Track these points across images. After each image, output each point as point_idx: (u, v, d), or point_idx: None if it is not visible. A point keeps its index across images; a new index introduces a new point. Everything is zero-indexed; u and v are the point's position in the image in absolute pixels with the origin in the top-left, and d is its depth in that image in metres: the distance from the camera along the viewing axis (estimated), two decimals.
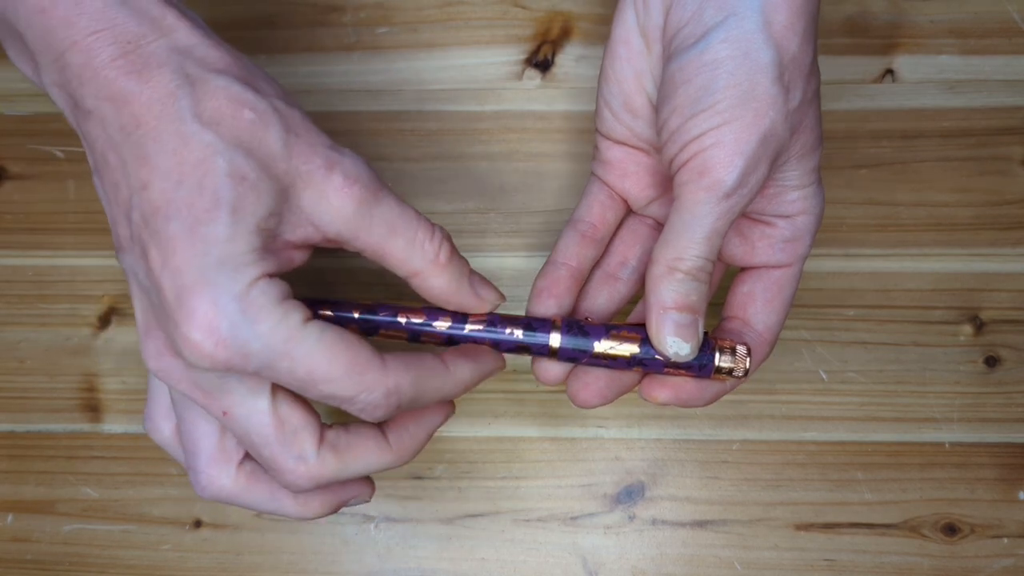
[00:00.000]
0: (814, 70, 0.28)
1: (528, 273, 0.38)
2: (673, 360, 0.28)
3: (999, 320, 0.37)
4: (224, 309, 0.23)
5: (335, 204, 0.25)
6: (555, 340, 0.29)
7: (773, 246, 0.30)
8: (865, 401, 0.37)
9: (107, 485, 0.38)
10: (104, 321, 0.39)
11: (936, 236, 0.38)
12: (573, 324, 0.29)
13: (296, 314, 0.24)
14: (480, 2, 0.39)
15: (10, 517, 0.38)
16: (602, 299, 0.32)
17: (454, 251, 0.27)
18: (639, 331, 0.29)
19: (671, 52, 0.27)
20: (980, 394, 0.37)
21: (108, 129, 0.24)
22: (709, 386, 0.30)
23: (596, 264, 0.32)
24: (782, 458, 0.37)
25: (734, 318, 0.31)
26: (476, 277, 0.28)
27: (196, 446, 0.28)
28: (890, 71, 0.39)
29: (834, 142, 0.38)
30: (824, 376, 0.37)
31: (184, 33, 0.25)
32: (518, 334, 0.29)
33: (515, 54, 0.39)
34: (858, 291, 0.38)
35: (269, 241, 0.24)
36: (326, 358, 0.24)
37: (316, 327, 0.24)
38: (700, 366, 0.29)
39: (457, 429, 0.38)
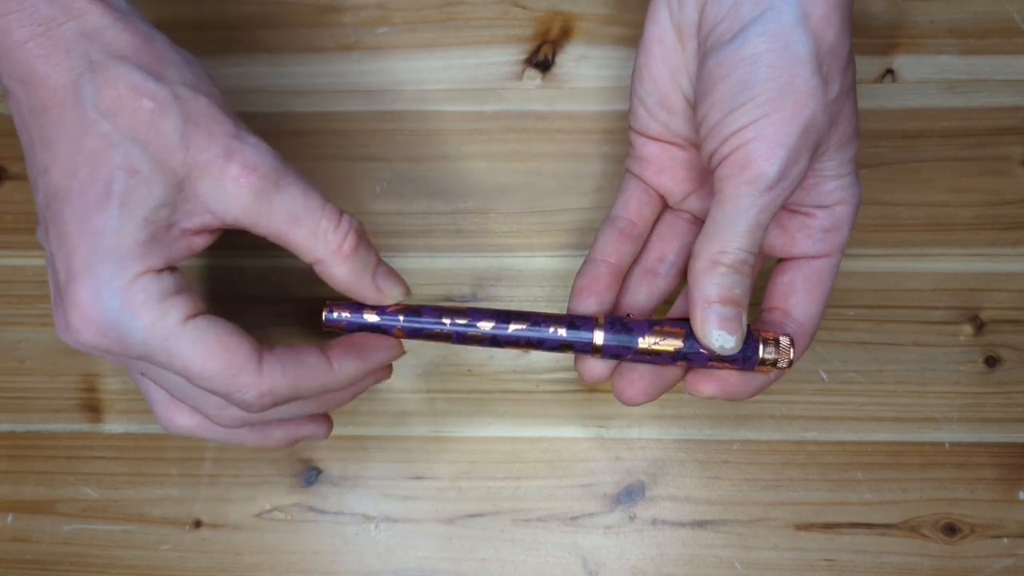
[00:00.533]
0: (851, 61, 0.28)
1: (528, 273, 0.38)
2: (718, 353, 0.28)
3: (999, 320, 0.37)
4: (105, 302, 0.24)
5: (232, 193, 0.25)
6: (599, 337, 0.29)
7: (812, 236, 0.30)
8: (865, 401, 0.37)
9: (107, 485, 0.38)
10: None
11: (936, 236, 0.38)
12: (616, 321, 0.29)
13: (176, 312, 0.25)
14: (480, 2, 0.39)
15: (10, 517, 0.38)
16: (642, 295, 0.32)
17: (360, 242, 0.27)
18: (682, 325, 0.29)
19: (708, 48, 0.27)
20: (980, 394, 0.37)
21: (21, 109, 0.25)
22: (753, 378, 0.30)
23: (635, 260, 0.32)
24: (782, 458, 0.37)
25: (775, 309, 0.31)
26: (383, 269, 0.28)
27: (152, 396, 0.29)
28: (890, 71, 0.39)
29: None
30: (824, 376, 0.37)
31: (95, 16, 0.25)
32: (562, 332, 0.29)
33: (515, 54, 0.39)
34: (858, 291, 0.38)
35: (160, 232, 0.25)
36: (201, 358, 0.25)
37: (195, 326, 0.25)
38: (744, 358, 0.29)
39: (457, 429, 0.38)
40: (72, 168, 0.24)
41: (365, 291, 0.28)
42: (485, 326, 0.28)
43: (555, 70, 0.39)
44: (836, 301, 0.38)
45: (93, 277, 0.24)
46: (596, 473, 0.38)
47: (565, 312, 0.31)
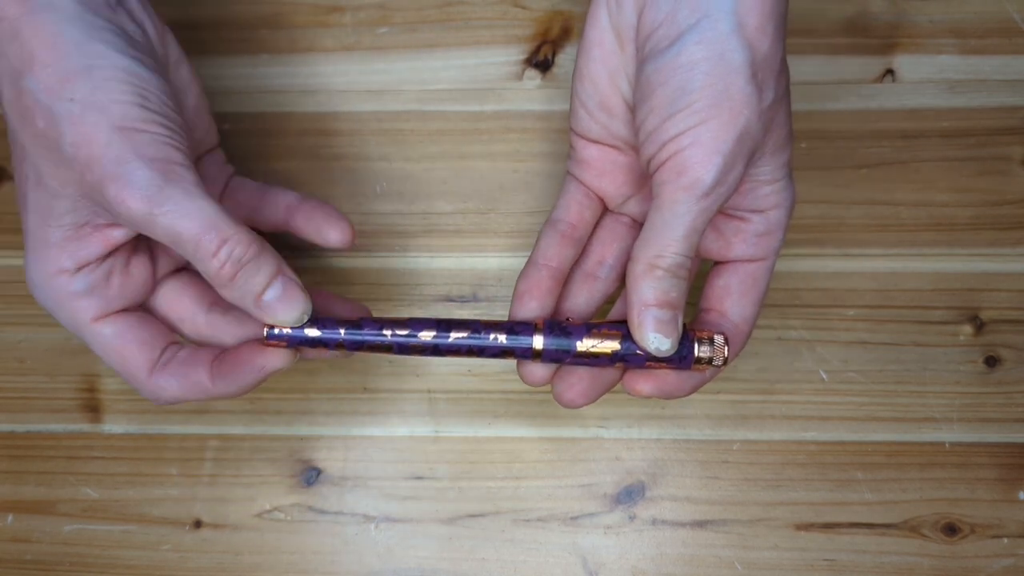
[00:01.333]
0: (783, 69, 0.28)
1: None
2: (654, 355, 0.28)
3: (999, 320, 0.37)
4: (35, 288, 0.29)
5: (116, 212, 0.26)
6: (538, 342, 0.29)
7: (747, 240, 0.31)
8: (865, 401, 0.37)
9: (107, 485, 0.38)
10: None
11: (936, 236, 0.38)
12: (555, 325, 0.29)
13: (83, 313, 0.29)
14: (480, 2, 0.39)
15: (10, 517, 0.38)
16: (582, 298, 0.32)
17: (244, 263, 0.27)
18: (620, 328, 0.29)
19: (646, 53, 0.28)
20: (980, 394, 0.37)
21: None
22: (690, 376, 0.30)
23: (575, 264, 0.33)
24: (782, 458, 0.37)
25: (711, 310, 0.32)
26: (277, 291, 0.28)
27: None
28: (890, 71, 0.39)
29: (834, 142, 0.38)
30: (824, 376, 0.37)
31: (11, 19, 0.26)
32: (502, 339, 0.29)
33: (515, 54, 0.39)
34: (858, 291, 0.38)
35: (68, 235, 0.28)
36: (104, 356, 0.29)
37: (99, 329, 0.29)
38: (680, 358, 0.29)
39: (457, 429, 0.38)
40: (13, 166, 0.28)
41: (256, 315, 0.28)
42: (426, 336, 0.29)
43: (555, 70, 0.39)
44: (836, 301, 0.38)
45: (28, 266, 0.29)
46: (596, 473, 0.38)
47: (507, 317, 0.31)
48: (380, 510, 0.38)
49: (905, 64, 0.38)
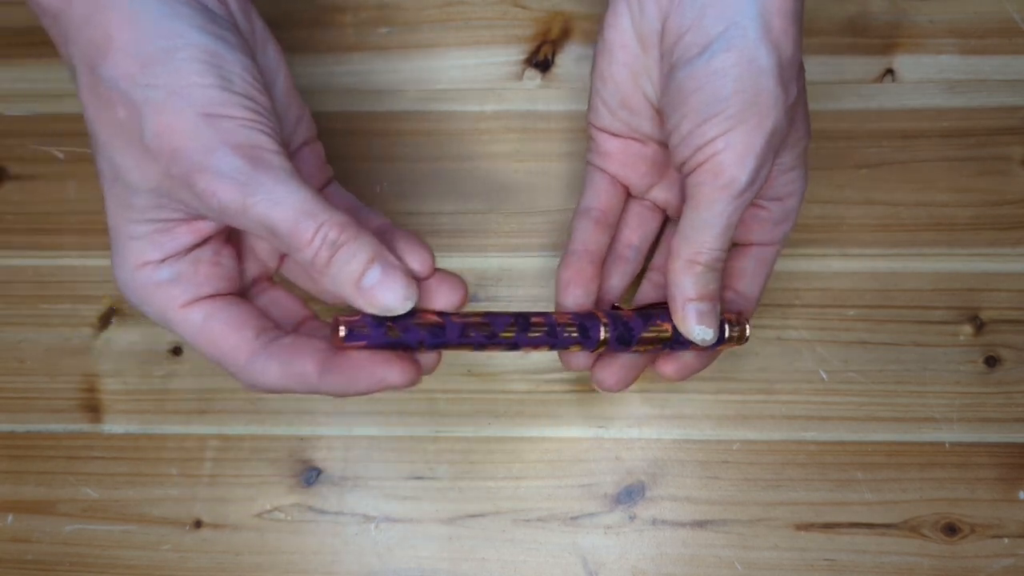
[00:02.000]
0: (802, 67, 0.30)
1: (529, 273, 0.38)
2: (700, 345, 0.30)
3: (999, 320, 0.37)
4: (121, 280, 0.27)
5: (206, 206, 0.25)
6: (604, 334, 0.30)
7: (765, 227, 0.32)
8: (865, 401, 0.37)
9: (107, 485, 0.38)
10: (104, 321, 0.39)
11: (936, 236, 0.38)
12: (617, 320, 0.30)
13: (172, 300, 0.27)
14: (480, 2, 0.39)
15: (10, 517, 0.38)
16: (615, 280, 0.33)
17: (340, 246, 0.25)
18: (665, 318, 0.31)
19: (675, 59, 0.29)
20: (980, 394, 0.37)
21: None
22: (710, 355, 0.33)
23: (608, 248, 0.34)
24: (782, 458, 0.37)
25: (727, 289, 0.33)
26: (377, 275, 0.25)
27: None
28: (890, 71, 0.39)
29: (834, 142, 0.38)
30: (824, 376, 0.37)
31: (80, 3, 0.25)
32: (573, 334, 0.30)
33: (515, 54, 0.39)
34: (858, 291, 0.38)
35: (152, 230, 0.26)
36: (196, 341, 0.27)
37: (190, 315, 0.27)
38: (716, 340, 0.31)
39: (457, 429, 0.38)
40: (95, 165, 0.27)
41: (355, 302, 0.26)
42: (507, 335, 0.28)
43: (555, 70, 0.39)
44: (836, 301, 0.38)
45: (113, 264, 0.27)
46: (596, 473, 0.38)
47: (552, 306, 0.32)
48: (380, 510, 0.38)
49: (905, 64, 0.38)
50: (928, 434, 0.37)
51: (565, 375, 0.38)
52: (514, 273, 0.38)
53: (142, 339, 0.39)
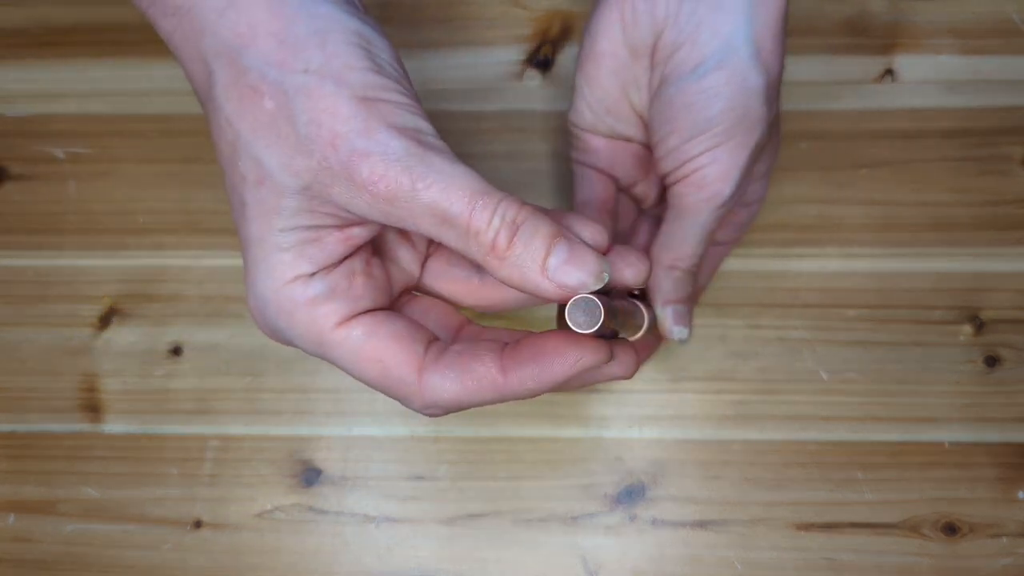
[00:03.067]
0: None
1: None
2: (677, 342, 0.32)
3: (999, 320, 0.37)
4: (262, 306, 0.24)
5: (366, 200, 0.23)
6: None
7: (730, 229, 0.34)
8: (865, 401, 0.37)
9: (108, 485, 0.38)
10: (104, 321, 0.39)
11: (936, 236, 0.38)
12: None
13: (325, 319, 0.23)
14: (480, 2, 0.39)
15: (11, 517, 0.38)
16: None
17: (520, 229, 0.22)
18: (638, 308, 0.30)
19: (667, 74, 0.29)
20: (980, 394, 0.37)
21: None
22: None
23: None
24: (783, 458, 0.37)
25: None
26: (563, 255, 0.22)
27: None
28: (890, 71, 0.39)
29: (834, 142, 0.38)
30: (824, 376, 0.38)
31: None
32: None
33: (515, 54, 0.39)
34: (858, 291, 0.38)
35: (303, 238, 0.23)
36: (354, 365, 0.24)
37: (350, 333, 0.24)
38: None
39: (457, 429, 0.38)
40: (222, 168, 0.24)
41: (541, 289, 0.23)
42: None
43: (555, 70, 0.39)
44: (836, 301, 0.38)
45: (251, 283, 0.24)
46: (596, 473, 0.38)
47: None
48: (380, 510, 0.38)
49: (905, 64, 0.38)
50: (928, 434, 0.37)
51: None
52: None
53: (142, 339, 0.39)
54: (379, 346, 0.24)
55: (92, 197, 0.39)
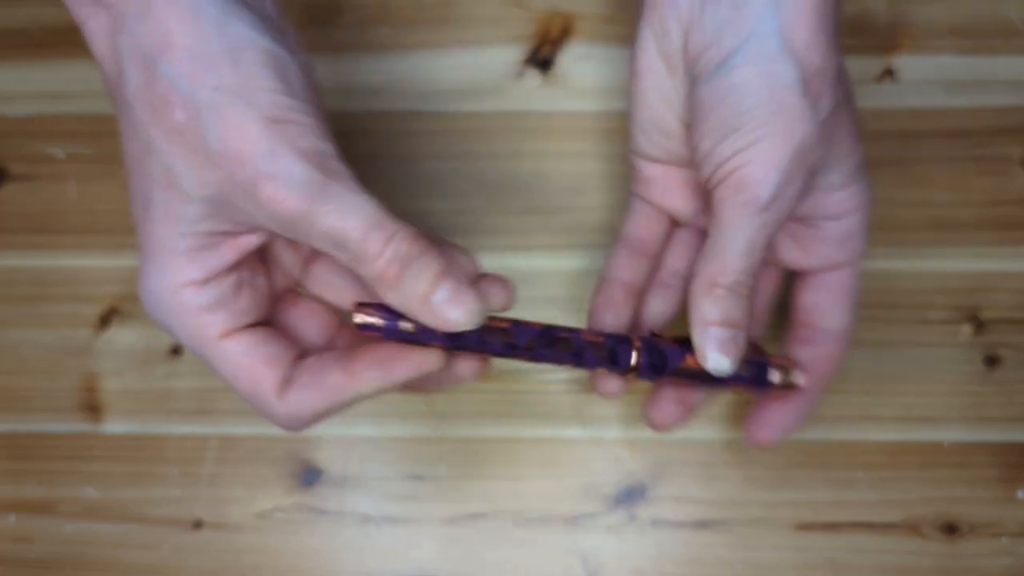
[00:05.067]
0: (842, 76, 0.28)
1: (528, 273, 0.38)
2: (714, 374, 0.28)
3: (999, 320, 0.37)
4: (155, 302, 0.25)
5: (268, 215, 0.24)
6: (635, 358, 0.29)
7: (828, 247, 0.31)
8: (865, 401, 0.37)
9: (108, 485, 0.38)
10: (104, 321, 0.39)
11: (936, 236, 0.38)
12: (652, 347, 0.29)
13: (212, 328, 0.25)
14: (480, 2, 0.39)
15: (12, 517, 0.38)
16: (656, 307, 0.32)
17: (410, 261, 0.24)
18: None
19: (696, 75, 0.28)
20: (980, 394, 0.37)
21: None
22: (795, 412, 0.32)
23: (651, 276, 0.33)
24: (783, 458, 0.37)
25: (802, 326, 0.32)
26: (447, 293, 0.24)
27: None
28: (890, 71, 0.39)
29: None
30: None
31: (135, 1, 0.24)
32: (602, 356, 0.28)
33: (515, 54, 0.39)
34: (858, 291, 0.38)
35: (200, 245, 0.25)
36: (230, 375, 0.26)
37: (227, 347, 0.25)
38: (759, 382, 0.30)
39: (457, 429, 0.38)
40: (128, 166, 0.25)
41: (422, 318, 0.25)
42: (529, 347, 0.28)
43: (555, 70, 0.39)
44: None
45: (146, 277, 0.25)
46: (596, 473, 0.38)
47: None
48: (380, 510, 0.38)
49: (905, 64, 0.38)
50: (928, 434, 0.37)
51: (565, 375, 0.38)
52: (513, 273, 0.38)
53: (142, 339, 0.39)
54: (252, 365, 0.26)
55: (92, 197, 0.39)
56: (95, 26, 0.24)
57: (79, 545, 0.38)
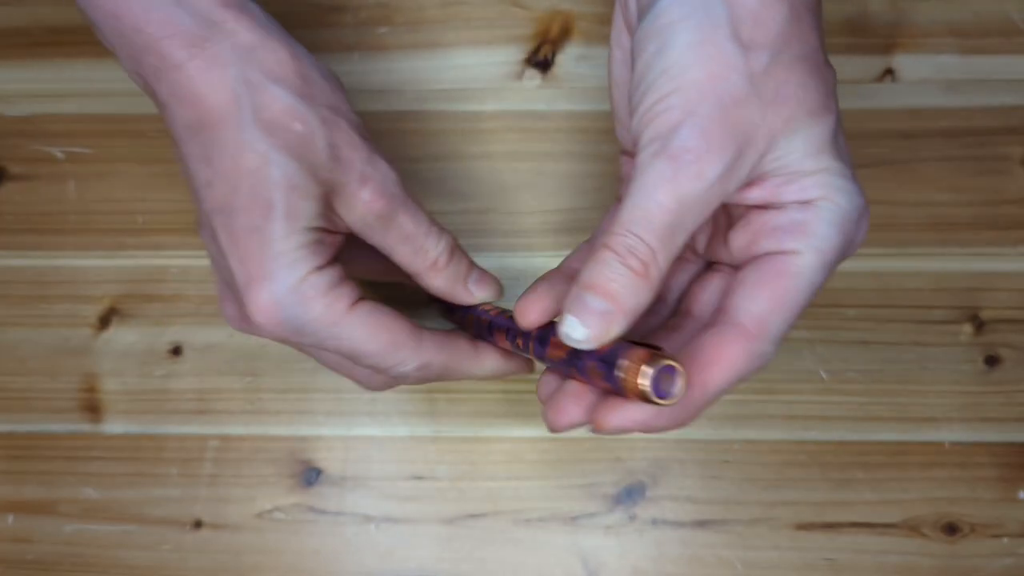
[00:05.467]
0: (793, 32, 0.24)
1: (528, 273, 0.38)
2: (565, 341, 0.24)
3: (999, 320, 0.37)
4: (281, 299, 0.26)
5: (360, 213, 0.28)
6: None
7: (773, 233, 0.25)
8: (865, 401, 0.37)
9: (108, 486, 0.38)
10: (104, 321, 0.39)
11: (936, 236, 0.38)
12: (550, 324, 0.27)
13: (342, 301, 0.27)
14: (480, 2, 0.39)
15: (11, 518, 0.38)
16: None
17: (453, 255, 0.30)
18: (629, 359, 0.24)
19: (633, 27, 0.27)
20: (980, 394, 0.37)
21: (177, 124, 0.27)
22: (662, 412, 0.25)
23: None
24: (783, 458, 0.37)
25: (718, 310, 0.26)
26: (475, 276, 0.31)
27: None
28: (890, 71, 0.39)
29: None
30: (824, 376, 0.38)
31: (245, 33, 0.27)
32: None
33: (515, 54, 0.39)
34: (858, 291, 0.38)
35: (319, 236, 0.27)
36: (367, 338, 0.28)
37: (360, 312, 0.28)
38: (610, 374, 0.24)
39: (457, 429, 0.38)
40: (234, 184, 0.26)
41: (458, 295, 0.31)
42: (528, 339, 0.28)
43: (555, 70, 0.39)
44: (836, 301, 0.38)
45: (270, 280, 0.26)
46: (596, 473, 0.38)
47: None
48: (380, 510, 0.38)
49: (905, 64, 0.38)
50: (928, 434, 0.37)
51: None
52: (512, 273, 0.38)
53: (142, 339, 0.39)
54: (385, 319, 0.28)
55: (92, 197, 0.39)
56: (199, 64, 0.26)
57: (78, 545, 0.38)
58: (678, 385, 0.23)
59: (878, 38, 0.39)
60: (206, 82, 0.26)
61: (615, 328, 0.23)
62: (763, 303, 0.24)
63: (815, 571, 0.37)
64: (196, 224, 0.29)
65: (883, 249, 0.38)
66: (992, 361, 0.37)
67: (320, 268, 0.27)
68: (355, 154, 0.27)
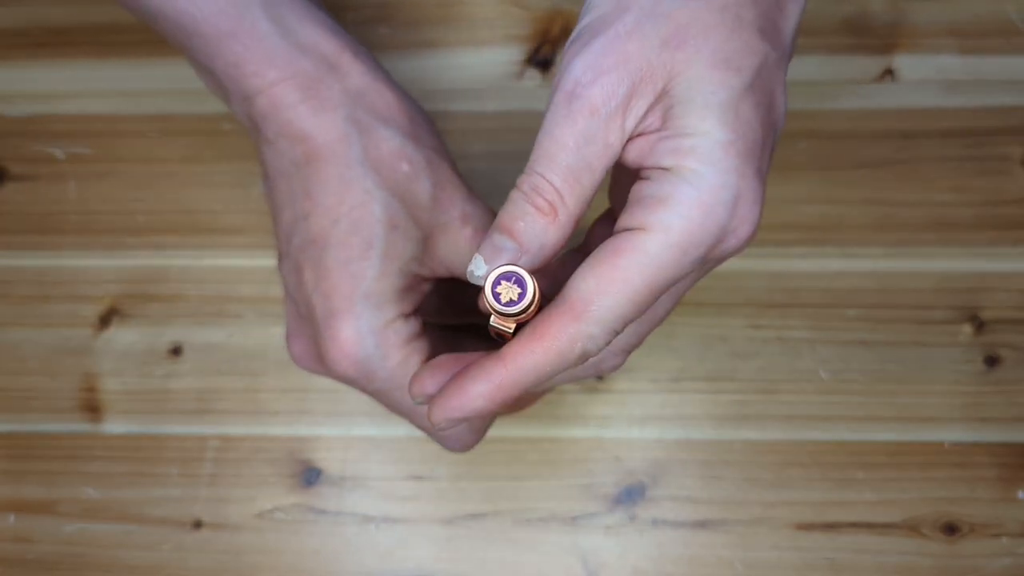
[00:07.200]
0: None
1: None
2: (470, 279, 0.23)
3: (999, 320, 0.38)
4: (363, 340, 0.26)
5: (464, 251, 0.28)
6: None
7: (634, 206, 0.22)
8: (865, 401, 0.37)
9: (108, 485, 0.38)
10: (104, 321, 0.39)
11: (936, 236, 0.38)
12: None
13: (417, 357, 0.27)
14: (480, 2, 0.39)
15: (12, 517, 0.38)
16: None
17: None
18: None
19: None
20: (980, 394, 0.37)
21: (282, 160, 0.27)
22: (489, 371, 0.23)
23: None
24: (783, 458, 0.37)
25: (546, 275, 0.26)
26: None
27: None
28: (890, 71, 0.39)
29: (834, 142, 0.38)
30: (825, 376, 0.38)
31: (357, 76, 0.27)
32: None
33: (515, 54, 0.39)
34: (858, 291, 0.38)
35: (411, 280, 0.27)
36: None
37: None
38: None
39: None
40: (334, 218, 0.26)
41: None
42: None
43: (555, 70, 0.39)
44: (836, 301, 0.38)
45: (355, 317, 0.26)
46: (596, 473, 0.38)
47: None
48: (380, 510, 0.38)
49: (905, 64, 0.38)
50: (928, 434, 0.37)
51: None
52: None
53: (142, 339, 0.39)
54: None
55: (92, 197, 0.39)
56: (313, 105, 0.27)
57: (79, 545, 0.38)
58: (524, 294, 0.22)
59: (878, 38, 0.39)
60: (317, 121, 0.26)
61: (521, 270, 0.22)
62: (591, 281, 0.22)
63: (815, 571, 0.37)
64: (276, 257, 0.29)
65: (883, 249, 0.38)
66: (992, 361, 0.37)
67: (406, 316, 0.27)
68: (456, 193, 0.28)
